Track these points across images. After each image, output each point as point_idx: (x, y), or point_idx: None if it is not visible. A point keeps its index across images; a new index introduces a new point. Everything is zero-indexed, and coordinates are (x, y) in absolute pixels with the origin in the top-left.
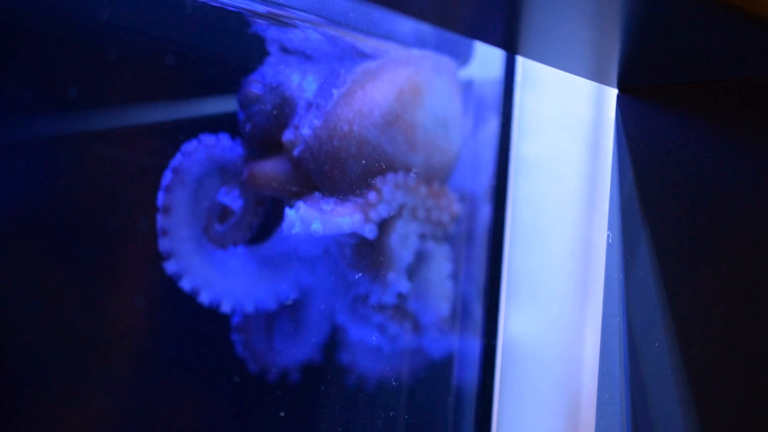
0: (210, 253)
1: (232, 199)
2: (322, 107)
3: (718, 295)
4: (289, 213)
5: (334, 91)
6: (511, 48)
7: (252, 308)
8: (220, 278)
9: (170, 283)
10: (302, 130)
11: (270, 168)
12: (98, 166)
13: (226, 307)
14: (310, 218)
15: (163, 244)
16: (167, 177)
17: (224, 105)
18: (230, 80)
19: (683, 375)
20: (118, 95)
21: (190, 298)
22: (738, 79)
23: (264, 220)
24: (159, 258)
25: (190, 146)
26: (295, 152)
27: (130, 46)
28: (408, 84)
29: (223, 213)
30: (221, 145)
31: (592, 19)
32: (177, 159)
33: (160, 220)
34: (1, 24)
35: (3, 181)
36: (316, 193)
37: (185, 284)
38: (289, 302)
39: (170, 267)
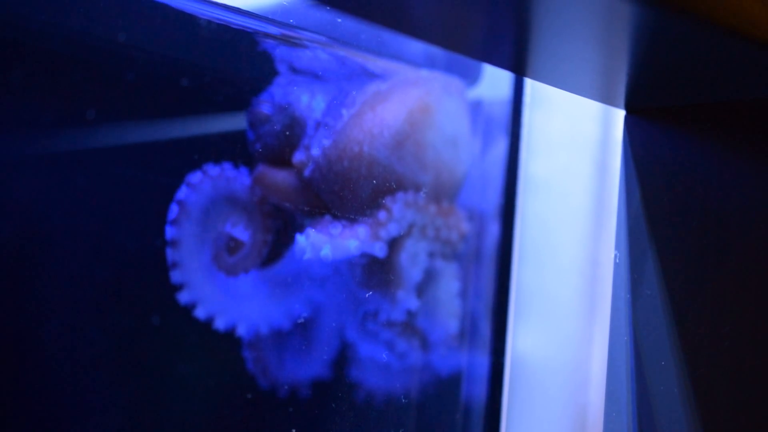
0: (222, 279)
1: (240, 231)
2: (331, 127)
3: (724, 314)
4: (300, 239)
5: (344, 112)
6: (519, 70)
7: (266, 329)
8: (234, 303)
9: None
10: (312, 151)
11: (280, 177)
12: (114, 184)
13: (241, 331)
14: (320, 244)
15: (175, 276)
16: (173, 210)
17: (237, 124)
18: (243, 100)
19: (690, 394)
20: (134, 115)
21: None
22: (744, 101)
23: (274, 243)
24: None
25: (194, 178)
26: (306, 172)
27: (145, 67)
28: (418, 105)
29: (231, 243)
30: (225, 175)
31: (600, 42)
32: (182, 191)
33: (170, 252)
34: (24, 45)
35: (21, 198)
36: (326, 217)
37: (200, 312)
38: (301, 321)
39: (184, 297)
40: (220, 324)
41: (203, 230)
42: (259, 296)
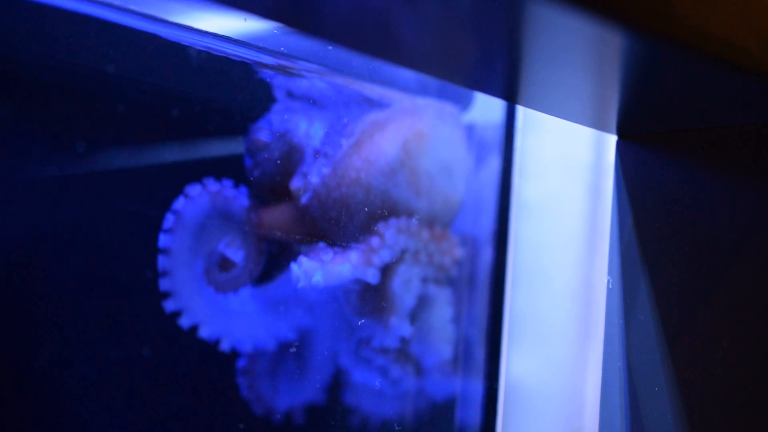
0: (210, 293)
1: (233, 251)
2: (330, 156)
3: (717, 340)
4: (294, 268)
5: (343, 141)
6: (511, 98)
7: (251, 347)
8: (221, 316)
9: (175, 329)
10: (310, 178)
11: (278, 214)
12: (105, 215)
13: (225, 345)
14: (312, 270)
15: (164, 284)
16: (170, 219)
17: (230, 154)
18: (236, 128)
19: (683, 419)
20: (125, 146)
21: (195, 344)
22: (735, 127)
23: (267, 265)
24: (164, 305)
25: (193, 190)
26: (303, 199)
27: (135, 97)
28: (413, 133)
29: (224, 262)
30: (224, 193)
31: (591, 71)
32: (180, 202)
33: (161, 260)
34: (14, 76)
35: (10, 228)
36: (320, 244)
37: (184, 321)
38: (293, 349)
39: (170, 305)
40: (204, 334)
41: (196, 243)
42: (248, 314)
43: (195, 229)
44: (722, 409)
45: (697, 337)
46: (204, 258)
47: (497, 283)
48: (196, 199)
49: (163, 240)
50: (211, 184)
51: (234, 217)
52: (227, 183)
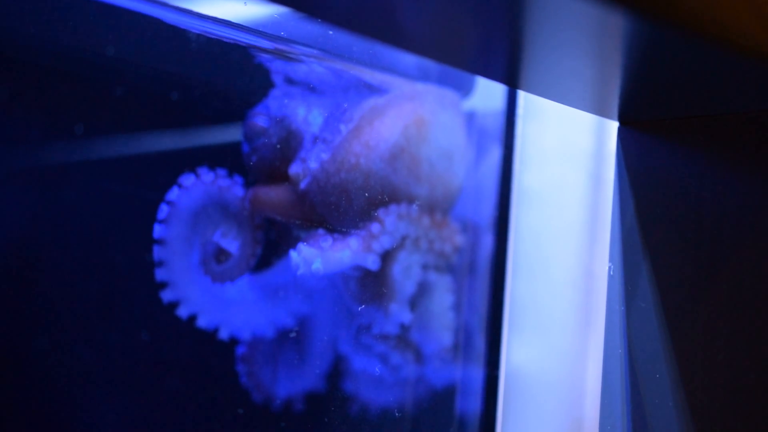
0: (207, 282)
1: (228, 241)
2: (329, 142)
3: (719, 327)
4: (293, 255)
5: (342, 127)
6: (512, 83)
7: (249, 335)
8: (218, 305)
9: (174, 315)
10: (309, 164)
11: (274, 194)
12: (104, 199)
13: (224, 334)
14: (311, 257)
15: (161, 274)
16: (164, 209)
17: (228, 138)
18: (235, 113)
19: (685, 407)
20: (124, 130)
21: (194, 330)
22: (738, 113)
23: (266, 252)
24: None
25: (187, 180)
26: (302, 185)
27: (134, 80)
28: (413, 119)
29: (219, 253)
30: (218, 182)
31: (593, 55)
32: (174, 192)
33: (157, 251)
34: (12, 59)
35: (9, 213)
36: (319, 230)
37: (182, 311)
38: (293, 334)
39: (167, 295)
40: (202, 323)
41: (192, 233)
42: (247, 302)
43: (190, 219)
44: (724, 397)
45: (698, 324)
46: (200, 248)
47: (498, 270)
48: (190, 189)
49: (157, 231)
50: (205, 174)
51: (229, 207)
52: (221, 172)
